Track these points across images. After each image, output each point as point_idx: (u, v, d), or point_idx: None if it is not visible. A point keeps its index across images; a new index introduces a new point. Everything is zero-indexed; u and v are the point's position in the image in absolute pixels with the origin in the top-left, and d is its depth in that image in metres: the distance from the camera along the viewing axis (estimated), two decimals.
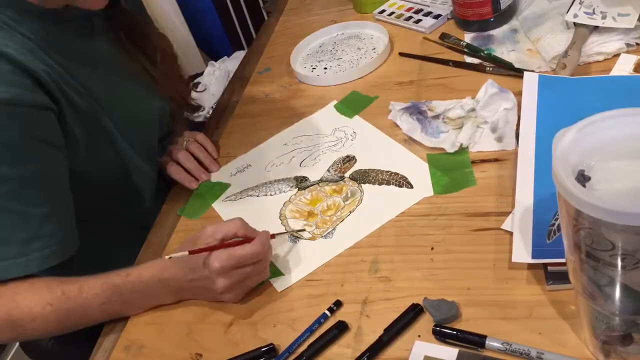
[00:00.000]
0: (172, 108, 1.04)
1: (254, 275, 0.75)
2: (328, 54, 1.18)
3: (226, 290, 0.74)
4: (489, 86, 0.88)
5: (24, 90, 0.74)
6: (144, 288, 0.77)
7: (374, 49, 1.14)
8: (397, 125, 0.91)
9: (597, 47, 0.90)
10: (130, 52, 0.97)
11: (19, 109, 0.73)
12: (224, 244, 0.74)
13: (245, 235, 0.75)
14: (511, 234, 0.69)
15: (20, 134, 0.74)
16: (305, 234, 0.82)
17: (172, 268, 0.77)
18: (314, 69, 1.15)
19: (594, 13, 0.92)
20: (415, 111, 0.91)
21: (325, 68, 1.14)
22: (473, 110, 0.88)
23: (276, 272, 0.78)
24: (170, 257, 0.73)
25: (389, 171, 0.86)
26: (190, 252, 0.73)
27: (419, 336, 0.64)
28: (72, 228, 0.82)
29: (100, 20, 0.90)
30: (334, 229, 0.81)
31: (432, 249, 0.73)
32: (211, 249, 0.73)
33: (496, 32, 1.05)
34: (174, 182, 1.00)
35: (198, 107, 1.17)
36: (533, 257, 0.65)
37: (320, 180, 0.89)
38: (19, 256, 0.75)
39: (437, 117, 0.89)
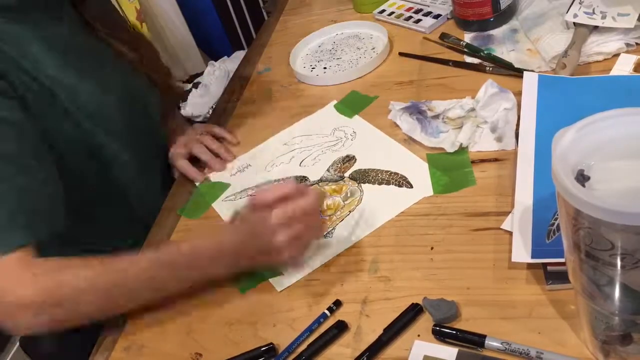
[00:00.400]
0: (160, 97, 1.03)
1: (311, 229, 0.74)
2: (327, 53, 1.18)
3: (286, 243, 0.72)
4: (488, 86, 0.88)
5: None
6: (194, 258, 0.74)
7: (374, 48, 1.14)
8: (397, 125, 0.91)
9: (597, 47, 0.90)
10: (103, 38, 0.94)
11: None
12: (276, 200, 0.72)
13: (294, 195, 0.73)
14: (511, 233, 0.69)
15: None
16: None
17: (228, 232, 0.76)
18: (313, 68, 1.15)
19: (593, 13, 0.92)
20: (415, 111, 0.91)
21: (325, 68, 1.14)
22: (473, 110, 0.88)
23: (276, 272, 0.78)
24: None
25: (388, 171, 0.86)
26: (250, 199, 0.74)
27: (419, 336, 0.64)
28: (43, 212, 0.74)
29: (64, 6, 0.88)
30: (333, 228, 0.81)
31: (432, 248, 0.73)
32: (264, 205, 0.72)
33: (496, 32, 1.05)
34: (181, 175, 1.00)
35: (182, 93, 1.16)
36: (533, 256, 0.65)
37: (320, 180, 0.89)
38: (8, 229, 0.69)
39: (436, 117, 0.89)
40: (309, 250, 0.76)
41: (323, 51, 1.19)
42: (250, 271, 0.78)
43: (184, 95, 1.16)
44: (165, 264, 0.74)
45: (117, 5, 1.04)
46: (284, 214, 0.71)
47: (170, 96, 1.10)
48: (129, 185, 0.97)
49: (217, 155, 1.00)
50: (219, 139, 1.04)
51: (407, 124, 0.90)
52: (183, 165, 0.99)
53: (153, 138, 1.03)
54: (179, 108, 1.12)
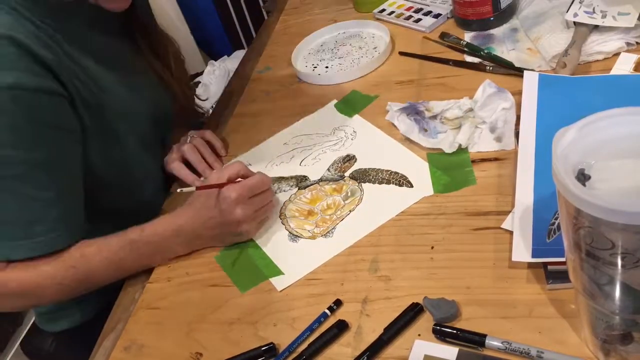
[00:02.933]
0: (176, 110, 1.05)
1: (265, 203, 0.83)
2: (329, 52, 1.18)
3: (244, 219, 0.80)
4: (486, 86, 0.88)
5: (30, 75, 0.74)
6: (159, 239, 0.82)
7: (375, 48, 1.14)
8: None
9: (597, 46, 0.90)
10: (144, 52, 0.98)
11: (24, 93, 0.74)
12: (229, 181, 0.81)
13: (247, 175, 0.83)
14: (511, 233, 0.69)
15: (27, 118, 0.75)
16: (305, 233, 0.82)
17: (185, 213, 0.82)
18: (315, 67, 1.15)
19: (594, 12, 0.92)
20: (413, 112, 0.91)
21: (327, 67, 1.14)
22: (471, 110, 0.88)
23: (276, 272, 0.78)
24: (180, 190, 0.81)
25: (389, 170, 0.86)
26: (198, 188, 0.81)
27: (419, 335, 0.64)
28: (79, 214, 0.84)
29: (113, 18, 0.89)
30: (334, 228, 0.81)
31: (432, 248, 0.73)
32: (219, 185, 0.80)
33: (496, 31, 1.05)
34: (176, 179, 1.00)
35: (201, 114, 1.17)
36: (533, 256, 0.65)
37: (321, 180, 0.89)
38: (24, 238, 0.77)
39: (434, 117, 0.89)
40: (263, 224, 0.84)
41: (325, 50, 1.19)
42: (219, 245, 0.84)
43: (200, 117, 1.17)
44: (134, 246, 0.81)
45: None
46: (241, 190, 0.79)
47: (189, 115, 1.12)
48: (146, 186, 0.99)
49: (206, 160, 0.99)
50: (210, 144, 1.03)
51: (405, 125, 0.90)
52: (176, 167, 0.98)
53: (164, 149, 1.04)
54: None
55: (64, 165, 0.81)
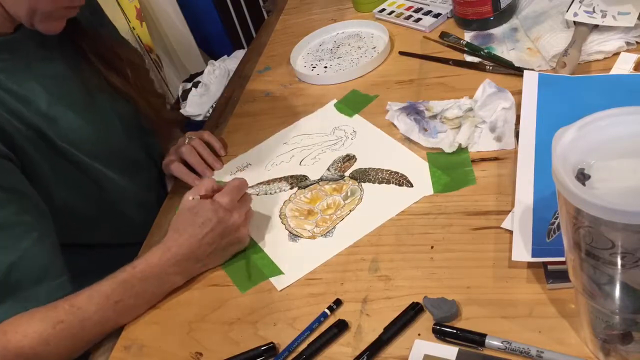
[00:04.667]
0: (150, 123, 1.03)
1: (249, 204, 0.83)
2: (328, 52, 1.18)
3: (241, 222, 0.79)
4: (486, 86, 0.88)
5: None
6: (154, 272, 0.76)
7: (374, 47, 1.14)
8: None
9: (597, 45, 0.90)
10: (96, 67, 0.94)
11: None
12: (207, 196, 0.80)
13: (219, 188, 0.82)
14: (511, 232, 0.69)
15: None
16: (305, 233, 0.82)
17: (175, 239, 0.77)
18: (314, 67, 1.15)
19: (594, 12, 0.92)
20: (413, 111, 0.91)
21: (326, 67, 1.14)
22: (471, 110, 0.88)
23: (276, 271, 0.78)
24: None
25: (389, 170, 0.86)
26: (202, 197, 0.80)
27: (419, 335, 0.64)
28: (55, 271, 0.77)
29: (57, 37, 0.86)
30: (334, 227, 0.81)
31: (432, 247, 0.73)
32: (205, 197, 0.80)
33: (496, 30, 1.05)
34: (176, 180, 1.00)
35: (178, 121, 1.15)
36: (533, 255, 0.65)
37: (320, 179, 0.89)
38: None
39: (434, 117, 0.89)
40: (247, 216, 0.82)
41: (324, 50, 1.19)
42: (215, 265, 0.81)
43: (181, 122, 1.14)
44: (127, 285, 0.75)
45: (117, 5, 1.03)
46: (231, 193, 0.79)
47: (166, 125, 1.10)
48: (126, 206, 0.98)
49: (205, 161, 0.99)
50: (209, 145, 1.02)
51: (405, 125, 0.90)
52: (175, 168, 0.97)
53: (149, 165, 1.03)
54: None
55: (17, 227, 0.75)
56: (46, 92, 0.84)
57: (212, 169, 0.98)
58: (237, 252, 0.82)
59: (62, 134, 0.86)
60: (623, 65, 0.86)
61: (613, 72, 0.86)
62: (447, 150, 0.83)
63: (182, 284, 0.80)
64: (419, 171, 0.83)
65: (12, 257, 0.73)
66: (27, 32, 0.82)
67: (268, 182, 0.92)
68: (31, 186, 0.81)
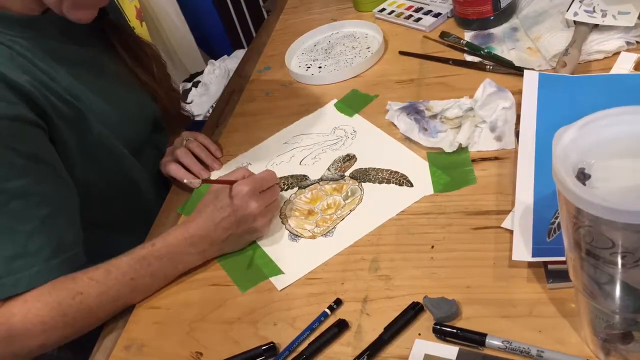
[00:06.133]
0: (164, 116, 1.05)
1: (274, 197, 0.83)
2: (322, 53, 1.18)
3: (260, 213, 0.79)
4: (486, 85, 0.88)
5: (5, 104, 0.73)
6: (171, 251, 0.79)
7: (369, 48, 1.14)
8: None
9: (597, 45, 0.90)
10: (122, 58, 0.97)
11: (1, 123, 0.72)
12: (233, 180, 0.81)
13: (250, 175, 0.83)
14: (511, 232, 0.69)
15: (3, 148, 0.72)
16: (306, 233, 0.82)
17: (196, 221, 0.80)
18: (308, 68, 1.15)
19: (594, 11, 0.92)
20: (413, 111, 0.91)
21: (320, 67, 1.14)
22: (471, 109, 0.88)
23: (276, 271, 0.78)
24: (188, 181, 0.78)
25: (389, 170, 0.86)
26: (204, 181, 0.81)
27: (419, 334, 0.64)
28: (70, 242, 0.78)
29: (84, 27, 0.87)
30: (334, 227, 0.81)
31: (433, 247, 0.73)
32: (227, 182, 0.81)
33: (496, 30, 1.05)
34: (174, 181, 1.00)
35: (188, 118, 1.17)
36: (533, 255, 0.65)
37: (321, 179, 0.89)
38: (5, 275, 0.72)
39: (434, 116, 0.89)
40: (272, 220, 0.84)
41: (318, 50, 1.19)
42: (232, 251, 0.82)
43: (188, 121, 1.17)
44: (144, 263, 0.78)
45: (117, 4, 1.05)
46: (252, 184, 0.80)
47: (178, 120, 1.12)
48: (141, 186, 0.99)
49: (204, 162, 0.99)
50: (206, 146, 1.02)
51: (405, 124, 0.90)
52: (173, 168, 0.98)
53: (159, 154, 1.04)
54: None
55: (44, 196, 0.76)
56: (71, 76, 0.85)
57: (209, 170, 0.98)
58: (250, 243, 0.83)
59: (87, 110, 0.86)
60: (623, 65, 0.86)
61: (613, 71, 0.86)
62: (447, 149, 0.83)
63: (199, 264, 0.81)
64: (419, 171, 0.83)
65: (29, 227, 0.74)
66: (54, 16, 0.83)
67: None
68: (58, 156, 0.81)
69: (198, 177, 0.96)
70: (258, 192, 0.80)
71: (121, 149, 0.93)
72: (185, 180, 0.81)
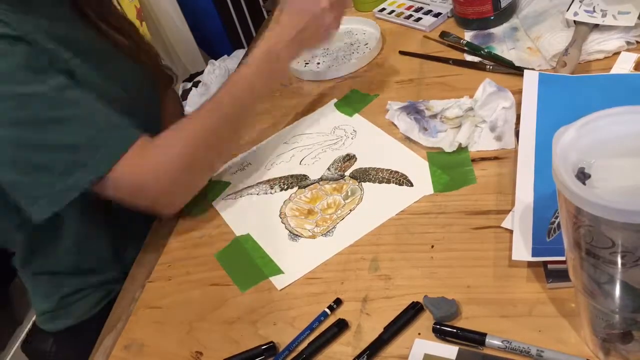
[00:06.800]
0: (153, 76, 1.07)
1: (347, 5, 0.93)
2: (321, 49, 1.19)
3: (334, 24, 0.90)
4: (486, 85, 0.88)
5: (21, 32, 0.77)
6: (266, 57, 0.89)
7: (367, 44, 1.15)
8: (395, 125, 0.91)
9: (598, 45, 0.90)
10: (99, 27, 0.98)
11: (23, 42, 0.76)
12: None
13: None
14: (511, 232, 0.69)
15: (31, 56, 0.77)
16: (305, 232, 0.82)
17: (271, 28, 0.91)
18: (307, 64, 1.15)
19: (594, 11, 0.92)
20: (413, 111, 0.91)
21: (319, 63, 1.14)
22: (471, 109, 0.88)
23: (276, 270, 0.78)
24: None
25: (389, 169, 0.86)
26: None
27: (419, 334, 0.64)
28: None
29: (68, 7, 0.91)
30: (334, 227, 0.81)
31: (432, 247, 0.73)
32: None
33: (496, 30, 1.05)
34: None
35: (172, 77, 1.19)
36: (533, 255, 0.65)
37: (321, 179, 0.89)
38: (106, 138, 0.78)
39: (434, 116, 0.89)
40: (340, 22, 0.93)
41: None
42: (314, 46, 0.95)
43: (176, 77, 1.20)
44: (241, 84, 0.88)
45: (116, 4, 1.05)
46: None
47: (163, 79, 1.15)
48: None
49: None
50: None
51: (405, 124, 0.90)
52: None
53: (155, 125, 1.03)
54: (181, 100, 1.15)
55: (85, 85, 0.82)
56: (64, 48, 0.85)
57: None
58: (239, 241, 0.83)
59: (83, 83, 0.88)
60: (623, 65, 0.86)
61: (613, 71, 0.86)
62: (447, 149, 0.83)
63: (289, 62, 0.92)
64: (419, 170, 0.83)
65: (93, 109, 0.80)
66: None
67: (268, 182, 0.92)
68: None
69: None
70: (337, 3, 0.88)
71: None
72: None
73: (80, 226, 0.93)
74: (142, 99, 1.01)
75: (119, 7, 1.06)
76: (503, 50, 0.99)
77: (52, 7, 0.89)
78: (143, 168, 0.80)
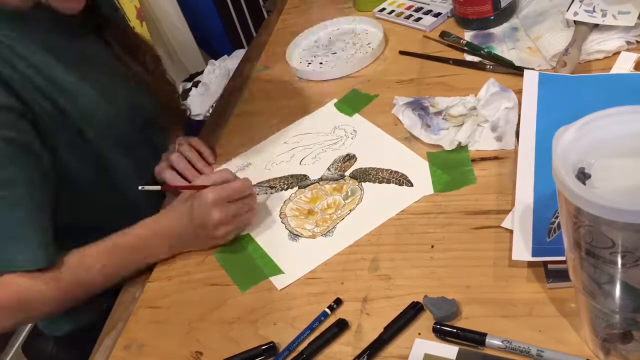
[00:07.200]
0: (161, 112, 1.04)
1: (244, 211, 0.82)
2: (323, 49, 1.19)
3: (220, 222, 0.80)
4: (490, 85, 0.88)
5: None
6: (140, 242, 0.82)
7: (369, 44, 1.14)
8: (397, 124, 0.91)
9: (598, 45, 0.90)
10: (117, 53, 0.97)
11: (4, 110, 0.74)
12: (203, 185, 0.82)
13: (227, 180, 0.83)
14: (511, 232, 0.69)
15: None
16: (306, 232, 0.82)
17: (167, 216, 0.84)
18: (309, 64, 1.15)
19: (594, 11, 0.92)
20: (418, 107, 0.91)
21: (321, 63, 1.14)
22: (474, 108, 0.87)
23: (276, 270, 0.78)
24: (142, 188, 0.82)
25: (389, 169, 0.86)
26: (163, 188, 0.86)
27: (419, 334, 0.64)
28: (51, 230, 0.80)
29: (74, 19, 0.88)
30: (334, 227, 0.81)
31: (432, 247, 0.73)
32: (190, 187, 0.83)
33: (496, 30, 1.05)
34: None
35: (185, 112, 1.17)
36: (533, 255, 0.65)
37: (321, 179, 0.89)
38: None
39: (439, 113, 0.89)
40: (242, 229, 0.84)
41: (319, 47, 1.20)
42: (199, 248, 0.84)
43: (187, 115, 1.18)
44: (115, 251, 0.82)
45: (116, 3, 1.05)
46: (219, 193, 0.79)
47: (174, 114, 1.12)
48: (131, 192, 0.97)
49: (195, 166, 0.98)
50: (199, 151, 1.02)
51: (409, 120, 0.90)
52: (168, 176, 0.97)
53: (154, 151, 1.03)
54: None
55: (28, 185, 0.78)
56: (62, 68, 0.85)
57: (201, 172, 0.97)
58: (240, 241, 0.84)
59: (77, 108, 0.87)
60: (623, 65, 0.86)
61: (613, 71, 0.86)
62: (448, 147, 0.83)
63: (167, 257, 0.85)
64: (419, 170, 0.83)
65: (19, 214, 0.77)
66: (45, 9, 0.83)
67: (268, 182, 0.92)
68: (44, 150, 0.82)
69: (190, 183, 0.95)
70: (225, 201, 0.80)
71: (108, 147, 0.92)
72: (139, 188, 0.82)
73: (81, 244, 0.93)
74: (150, 129, 1.01)
75: (145, 43, 1.05)
76: (503, 50, 0.99)
77: (61, 27, 0.88)
78: (28, 292, 0.77)
